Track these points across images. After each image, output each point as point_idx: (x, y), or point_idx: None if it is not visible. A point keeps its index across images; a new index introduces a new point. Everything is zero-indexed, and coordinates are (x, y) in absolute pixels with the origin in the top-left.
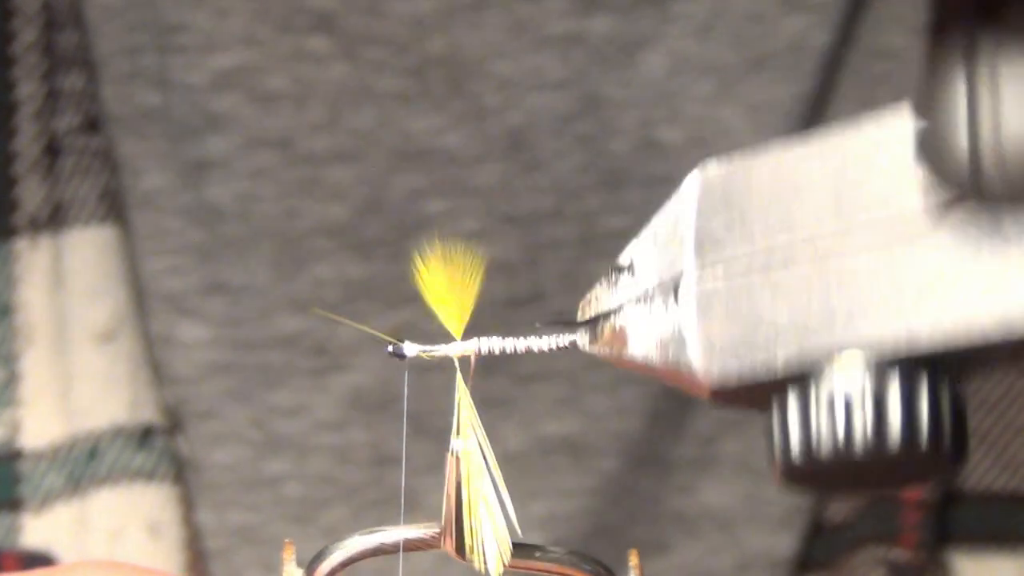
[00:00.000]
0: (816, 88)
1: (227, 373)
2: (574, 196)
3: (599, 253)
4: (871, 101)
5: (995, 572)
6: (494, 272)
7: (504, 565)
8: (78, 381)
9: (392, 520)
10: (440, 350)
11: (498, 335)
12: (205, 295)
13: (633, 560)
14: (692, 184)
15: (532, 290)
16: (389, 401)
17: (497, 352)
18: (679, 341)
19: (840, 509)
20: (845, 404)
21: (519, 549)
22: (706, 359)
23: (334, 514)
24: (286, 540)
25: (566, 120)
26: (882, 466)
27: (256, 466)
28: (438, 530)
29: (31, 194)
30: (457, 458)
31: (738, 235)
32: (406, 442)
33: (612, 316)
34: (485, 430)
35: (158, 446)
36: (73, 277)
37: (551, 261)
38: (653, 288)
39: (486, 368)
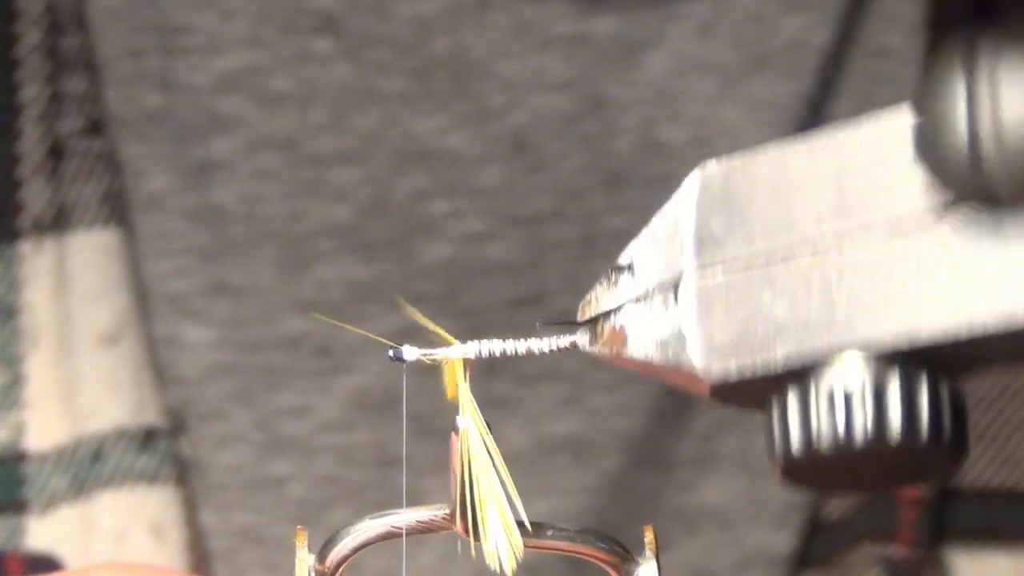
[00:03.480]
0: (816, 86)
1: (231, 374)
2: (577, 196)
3: (602, 253)
4: (871, 100)
5: (992, 569)
6: (498, 273)
7: (517, 556)
8: (82, 383)
9: None
10: (440, 353)
11: (499, 336)
12: (209, 297)
13: (648, 536)
14: (692, 183)
15: (536, 291)
16: (393, 402)
17: (497, 354)
18: (679, 340)
19: (838, 506)
20: (845, 399)
21: (529, 528)
22: (706, 357)
23: (338, 515)
24: (298, 527)
25: (569, 121)
26: (882, 463)
27: (260, 467)
28: (448, 511)
29: (35, 197)
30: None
31: (738, 234)
32: (409, 443)
33: (612, 316)
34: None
35: (162, 448)
36: (77, 280)
37: (554, 262)
38: (653, 287)
39: (489, 369)
